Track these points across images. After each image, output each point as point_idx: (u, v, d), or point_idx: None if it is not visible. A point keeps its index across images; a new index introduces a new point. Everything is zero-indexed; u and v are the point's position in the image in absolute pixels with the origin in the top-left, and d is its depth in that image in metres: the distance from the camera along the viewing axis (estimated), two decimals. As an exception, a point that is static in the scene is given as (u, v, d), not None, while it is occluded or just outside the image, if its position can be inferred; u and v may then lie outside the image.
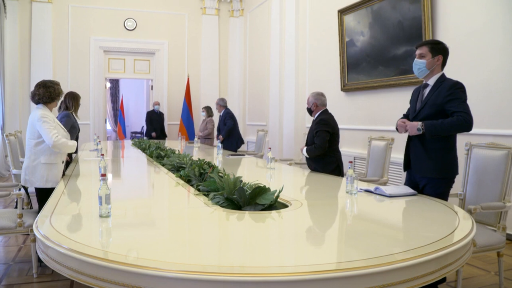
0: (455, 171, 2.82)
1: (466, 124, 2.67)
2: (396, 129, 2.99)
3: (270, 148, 4.08)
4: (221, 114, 7.14)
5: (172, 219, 2.08)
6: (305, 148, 4.34)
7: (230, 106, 9.16)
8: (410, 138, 2.97)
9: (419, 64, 2.88)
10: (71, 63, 9.35)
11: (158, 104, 9.04)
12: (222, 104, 7.21)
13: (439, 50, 2.86)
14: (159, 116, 9.03)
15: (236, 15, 10.32)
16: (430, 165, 2.80)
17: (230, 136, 6.94)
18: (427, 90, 2.91)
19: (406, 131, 2.89)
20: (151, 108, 9.40)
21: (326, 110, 4.32)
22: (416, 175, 2.91)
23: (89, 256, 1.48)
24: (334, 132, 4.19)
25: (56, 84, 3.39)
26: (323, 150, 4.12)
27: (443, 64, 2.89)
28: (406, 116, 3.10)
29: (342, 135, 5.49)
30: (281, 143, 7.99)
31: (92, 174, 3.50)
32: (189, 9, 10.12)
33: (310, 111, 4.36)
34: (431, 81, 2.89)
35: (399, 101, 5.43)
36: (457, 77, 4.59)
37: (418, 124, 2.79)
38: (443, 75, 2.91)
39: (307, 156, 4.24)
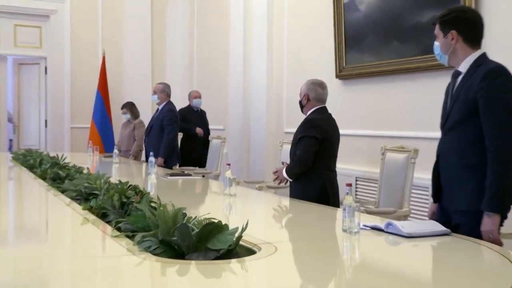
0: (508, 201, 2.88)
1: (509, 158, 2.75)
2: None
3: (229, 165, 4.07)
4: (160, 107, 7.37)
5: (77, 276, 2.05)
6: (284, 168, 4.53)
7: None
8: (438, 155, 3.10)
9: (435, 49, 3.11)
10: None
11: (200, 96, 8.60)
12: (168, 92, 7.46)
13: (449, 24, 2.99)
14: (200, 117, 8.60)
15: (178, -38, 10.74)
16: (467, 193, 2.88)
17: (171, 148, 7.26)
18: (458, 81, 3.01)
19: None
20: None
21: (323, 108, 4.55)
22: (448, 208, 3.01)
23: None
24: (326, 140, 4.39)
25: None
26: (305, 165, 4.32)
27: (470, 40, 2.98)
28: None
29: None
30: (247, 156, 8.12)
31: None
32: None
33: (302, 107, 4.59)
34: (463, 67, 3.00)
35: (425, 93, 5.52)
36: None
37: (486, 216, 2.78)
38: (481, 56, 2.98)
39: (289, 179, 4.48)
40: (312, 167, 4.35)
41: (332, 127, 4.49)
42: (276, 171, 4.63)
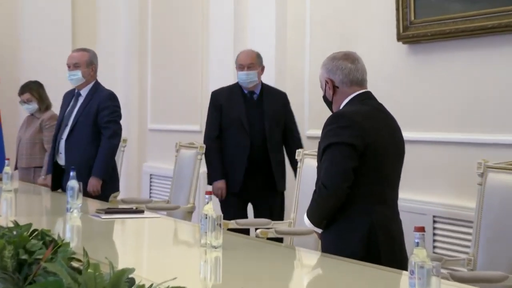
0: None
1: None
2: None
3: (210, 194, 4.12)
4: (83, 91, 7.25)
5: None
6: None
7: (108, 85, 9.04)
8: None
9: None
10: None
11: (252, 64, 7.51)
12: (97, 65, 7.38)
13: None
14: (251, 106, 7.63)
15: None
16: None
17: (111, 164, 7.34)
18: None
19: None
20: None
21: (364, 95, 4.47)
22: None
23: None
24: (371, 149, 4.29)
25: None
26: (335, 196, 4.24)
27: None
28: None
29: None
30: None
31: None
32: None
33: (329, 104, 4.58)
34: None
35: None
36: None
37: None
38: None
39: (317, 229, 4.41)
40: (350, 198, 4.26)
41: (382, 125, 4.43)
42: None
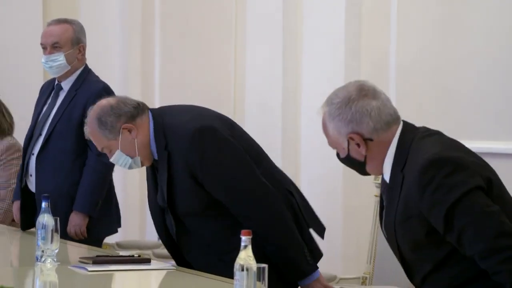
0: None
1: None
2: None
3: (249, 235, 3.87)
4: (65, 84, 7.24)
5: None
6: None
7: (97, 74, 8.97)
8: None
9: None
10: None
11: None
12: (85, 43, 7.19)
13: None
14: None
15: None
16: None
17: (101, 194, 7.09)
18: None
19: None
20: None
21: (409, 130, 4.61)
22: None
23: None
24: (491, 184, 4.39)
25: None
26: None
27: None
28: None
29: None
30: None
31: None
32: None
33: (361, 165, 4.58)
34: None
35: None
36: None
37: None
38: None
39: None
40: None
41: (470, 153, 4.42)
42: None
